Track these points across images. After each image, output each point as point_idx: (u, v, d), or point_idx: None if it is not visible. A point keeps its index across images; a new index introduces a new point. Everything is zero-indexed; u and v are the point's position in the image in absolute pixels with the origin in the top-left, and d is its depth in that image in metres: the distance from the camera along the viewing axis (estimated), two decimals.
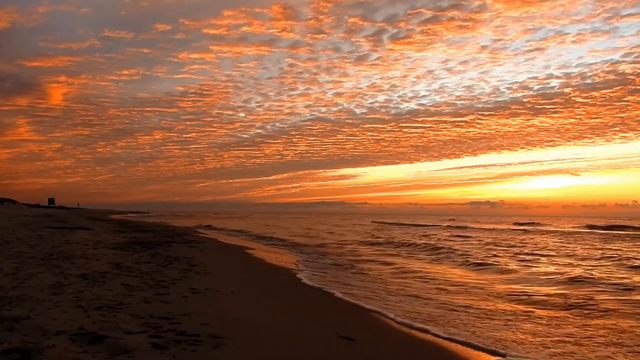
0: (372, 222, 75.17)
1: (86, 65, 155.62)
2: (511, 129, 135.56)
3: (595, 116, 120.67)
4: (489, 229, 48.84)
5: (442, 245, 23.94)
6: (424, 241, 27.57)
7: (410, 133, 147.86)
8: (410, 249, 23.48)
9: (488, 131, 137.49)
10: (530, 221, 74.97)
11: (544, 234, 40.76)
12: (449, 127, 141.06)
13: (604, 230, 48.69)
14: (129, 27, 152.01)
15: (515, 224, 69.25)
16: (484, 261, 17.20)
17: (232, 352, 5.05)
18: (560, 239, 32.85)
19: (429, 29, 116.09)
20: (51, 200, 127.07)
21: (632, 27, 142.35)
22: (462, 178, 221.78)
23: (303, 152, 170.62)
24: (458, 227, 51.99)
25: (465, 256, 19.07)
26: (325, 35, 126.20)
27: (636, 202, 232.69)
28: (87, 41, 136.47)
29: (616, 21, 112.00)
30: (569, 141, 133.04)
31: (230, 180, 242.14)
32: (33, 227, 25.72)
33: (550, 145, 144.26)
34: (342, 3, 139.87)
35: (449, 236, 34.97)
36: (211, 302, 7.73)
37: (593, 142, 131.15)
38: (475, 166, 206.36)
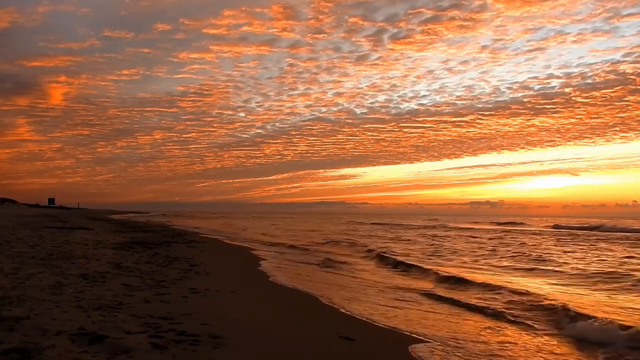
0: (349, 221, 77.45)
1: (86, 65, 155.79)
2: (511, 129, 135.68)
3: (596, 116, 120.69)
4: (462, 228, 50.60)
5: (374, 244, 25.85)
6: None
7: (411, 133, 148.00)
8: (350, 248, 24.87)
9: (488, 131, 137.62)
10: (511, 221, 77.26)
11: (506, 232, 42.56)
12: (449, 127, 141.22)
13: (569, 229, 50.57)
14: (129, 27, 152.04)
15: (491, 222, 74.32)
16: (394, 258, 18.48)
17: (232, 352, 5.05)
18: (513, 238, 34.08)
19: (429, 28, 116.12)
20: (51, 200, 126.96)
21: (633, 27, 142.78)
22: (462, 178, 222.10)
23: (303, 152, 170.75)
24: (433, 227, 53.66)
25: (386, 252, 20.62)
26: (326, 35, 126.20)
27: (636, 202, 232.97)
28: (87, 41, 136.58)
29: (617, 21, 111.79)
30: (570, 141, 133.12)
31: (230, 180, 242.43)
32: (33, 227, 25.73)
33: (551, 145, 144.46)
34: (342, 3, 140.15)
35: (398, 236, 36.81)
36: (211, 302, 7.74)
37: (593, 142, 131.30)
38: (476, 166, 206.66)
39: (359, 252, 22.03)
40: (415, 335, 6.98)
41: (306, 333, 6.65)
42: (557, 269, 15.76)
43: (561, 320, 8.09)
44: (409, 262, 16.72)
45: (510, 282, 12.40)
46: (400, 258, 18.07)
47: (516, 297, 10.14)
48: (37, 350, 4.45)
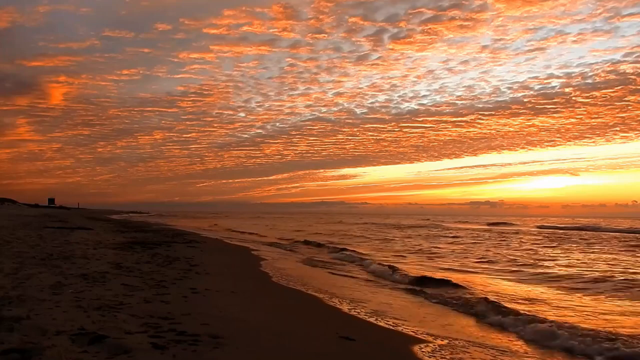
0: (340, 221, 79.08)
1: (86, 65, 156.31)
2: (512, 129, 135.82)
3: (596, 116, 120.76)
4: (449, 228, 52.34)
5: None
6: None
7: (411, 133, 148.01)
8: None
9: (488, 131, 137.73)
10: (503, 221, 79.69)
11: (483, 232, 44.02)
12: (450, 127, 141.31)
13: (551, 230, 52.07)
14: (129, 26, 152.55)
15: (478, 222, 77.62)
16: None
17: (232, 352, 5.05)
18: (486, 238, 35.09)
19: (429, 28, 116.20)
20: (51, 200, 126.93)
21: (633, 27, 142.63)
22: (462, 178, 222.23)
23: (303, 152, 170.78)
24: (424, 227, 55.01)
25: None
26: (326, 35, 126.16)
27: (636, 202, 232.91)
28: (87, 41, 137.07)
29: (617, 21, 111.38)
30: (570, 141, 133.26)
31: (231, 180, 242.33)
32: (33, 227, 25.72)
33: (551, 145, 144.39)
34: (342, 3, 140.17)
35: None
36: (211, 302, 7.74)
37: (594, 142, 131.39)
38: (476, 166, 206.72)
39: (327, 249, 23.07)
40: (419, 336, 6.98)
41: (306, 333, 6.65)
42: (514, 268, 16.43)
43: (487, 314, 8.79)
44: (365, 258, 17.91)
45: (453, 278, 13.08)
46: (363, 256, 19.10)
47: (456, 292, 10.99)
48: (37, 350, 4.45)
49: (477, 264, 17.52)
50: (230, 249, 21.13)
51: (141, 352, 4.67)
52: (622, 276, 14.04)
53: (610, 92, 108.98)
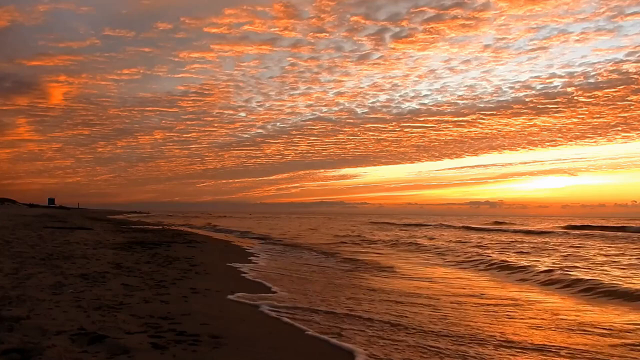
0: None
1: (86, 64, 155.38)
2: (513, 129, 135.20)
3: (598, 116, 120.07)
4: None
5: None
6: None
7: (412, 133, 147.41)
8: None
9: (490, 131, 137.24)
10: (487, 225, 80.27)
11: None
12: (451, 126, 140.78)
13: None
14: (129, 25, 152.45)
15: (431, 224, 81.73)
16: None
17: (232, 352, 5.05)
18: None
19: (431, 27, 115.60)
20: (51, 200, 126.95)
21: (637, 26, 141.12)
22: (462, 178, 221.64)
23: (304, 152, 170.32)
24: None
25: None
26: (327, 34, 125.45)
27: (635, 202, 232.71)
28: (87, 40, 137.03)
29: (620, 20, 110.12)
30: (571, 141, 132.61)
31: (231, 180, 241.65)
32: (33, 227, 25.72)
33: (552, 145, 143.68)
34: (344, 2, 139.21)
35: None
36: (211, 302, 7.74)
37: (595, 142, 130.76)
38: (476, 166, 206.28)
39: None
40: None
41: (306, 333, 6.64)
42: None
43: None
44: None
45: None
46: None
47: None
48: (37, 350, 4.45)
49: None
50: (230, 249, 21.13)
51: (141, 352, 4.67)
52: None
53: (613, 91, 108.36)
